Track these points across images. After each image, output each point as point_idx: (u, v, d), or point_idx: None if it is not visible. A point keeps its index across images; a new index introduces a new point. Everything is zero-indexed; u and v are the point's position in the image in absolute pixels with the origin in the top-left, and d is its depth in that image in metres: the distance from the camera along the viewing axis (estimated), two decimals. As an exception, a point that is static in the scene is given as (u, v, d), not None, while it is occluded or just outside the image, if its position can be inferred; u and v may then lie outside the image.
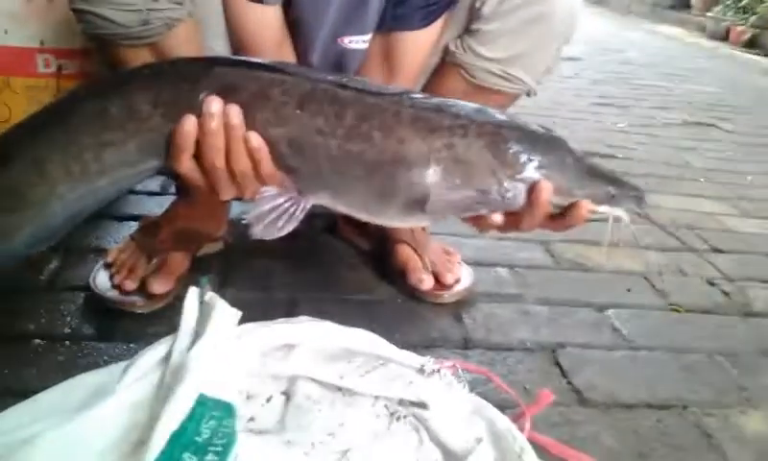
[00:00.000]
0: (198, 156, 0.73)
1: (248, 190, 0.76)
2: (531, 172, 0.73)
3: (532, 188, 0.73)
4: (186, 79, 0.73)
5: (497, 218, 0.76)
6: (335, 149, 0.73)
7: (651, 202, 0.81)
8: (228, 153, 0.72)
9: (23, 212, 0.72)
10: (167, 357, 0.64)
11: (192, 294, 0.70)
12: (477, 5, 1.01)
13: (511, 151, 0.73)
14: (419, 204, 0.75)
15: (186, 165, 0.73)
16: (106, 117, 0.71)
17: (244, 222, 0.78)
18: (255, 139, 0.72)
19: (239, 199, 0.80)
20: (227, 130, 0.71)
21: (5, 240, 0.73)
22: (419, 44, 1.02)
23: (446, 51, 1.07)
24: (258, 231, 0.74)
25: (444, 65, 1.08)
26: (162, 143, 0.73)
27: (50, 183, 0.71)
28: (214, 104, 0.70)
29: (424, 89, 1.10)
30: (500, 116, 0.77)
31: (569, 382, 1.00)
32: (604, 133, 2.56)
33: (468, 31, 1.04)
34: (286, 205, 0.76)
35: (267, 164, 0.74)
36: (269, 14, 0.95)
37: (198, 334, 0.66)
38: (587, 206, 0.75)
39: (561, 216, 0.77)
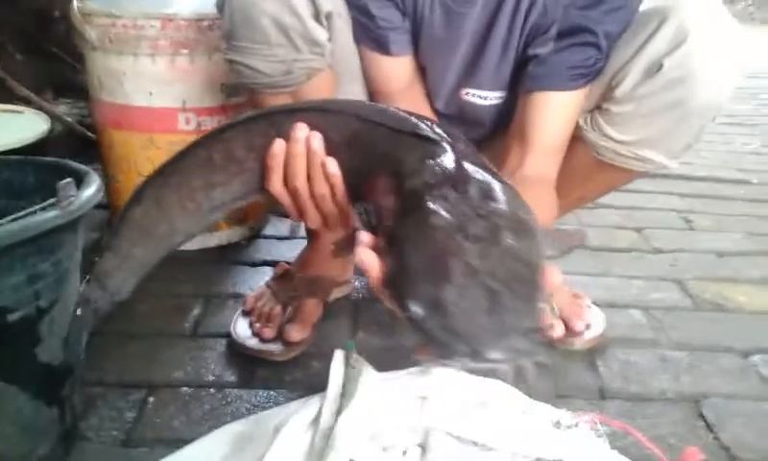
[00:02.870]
0: (285, 179, 0.78)
1: (329, 218, 0.80)
2: None
3: None
4: (274, 125, 0.79)
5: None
6: None
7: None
8: (309, 176, 0.77)
9: (148, 244, 0.83)
10: (316, 420, 0.67)
11: (338, 357, 0.73)
12: (613, 84, 0.98)
13: None
14: None
15: (276, 187, 0.78)
16: (211, 163, 0.81)
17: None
18: (332, 165, 0.75)
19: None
20: (308, 154, 0.75)
21: (133, 271, 0.83)
22: (554, 107, 0.96)
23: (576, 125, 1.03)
24: None
25: (572, 138, 1.03)
26: (258, 178, 0.81)
27: (170, 219, 0.82)
28: (300, 130, 0.75)
29: None
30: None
31: (716, 437, 0.94)
32: (734, 156, 2.42)
33: (598, 108, 1.01)
34: None
35: (340, 191, 0.77)
36: (398, 63, 1.03)
37: (345, 396, 0.68)
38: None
39: None
